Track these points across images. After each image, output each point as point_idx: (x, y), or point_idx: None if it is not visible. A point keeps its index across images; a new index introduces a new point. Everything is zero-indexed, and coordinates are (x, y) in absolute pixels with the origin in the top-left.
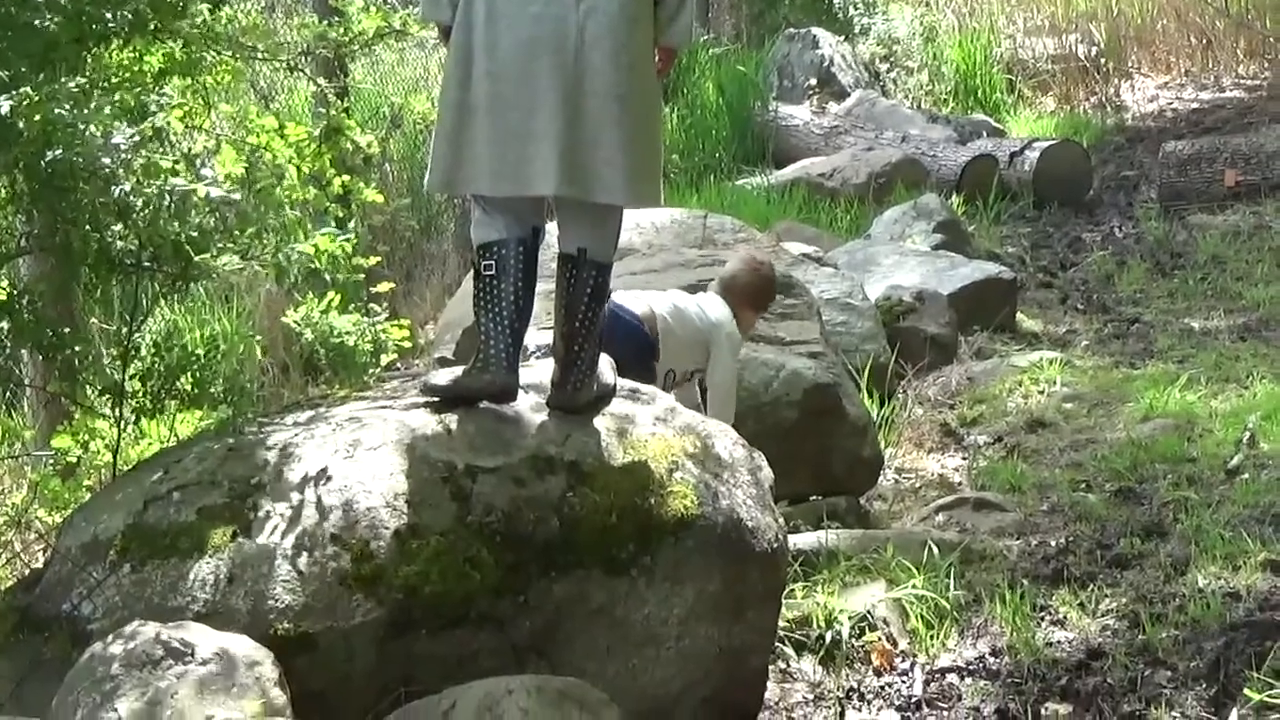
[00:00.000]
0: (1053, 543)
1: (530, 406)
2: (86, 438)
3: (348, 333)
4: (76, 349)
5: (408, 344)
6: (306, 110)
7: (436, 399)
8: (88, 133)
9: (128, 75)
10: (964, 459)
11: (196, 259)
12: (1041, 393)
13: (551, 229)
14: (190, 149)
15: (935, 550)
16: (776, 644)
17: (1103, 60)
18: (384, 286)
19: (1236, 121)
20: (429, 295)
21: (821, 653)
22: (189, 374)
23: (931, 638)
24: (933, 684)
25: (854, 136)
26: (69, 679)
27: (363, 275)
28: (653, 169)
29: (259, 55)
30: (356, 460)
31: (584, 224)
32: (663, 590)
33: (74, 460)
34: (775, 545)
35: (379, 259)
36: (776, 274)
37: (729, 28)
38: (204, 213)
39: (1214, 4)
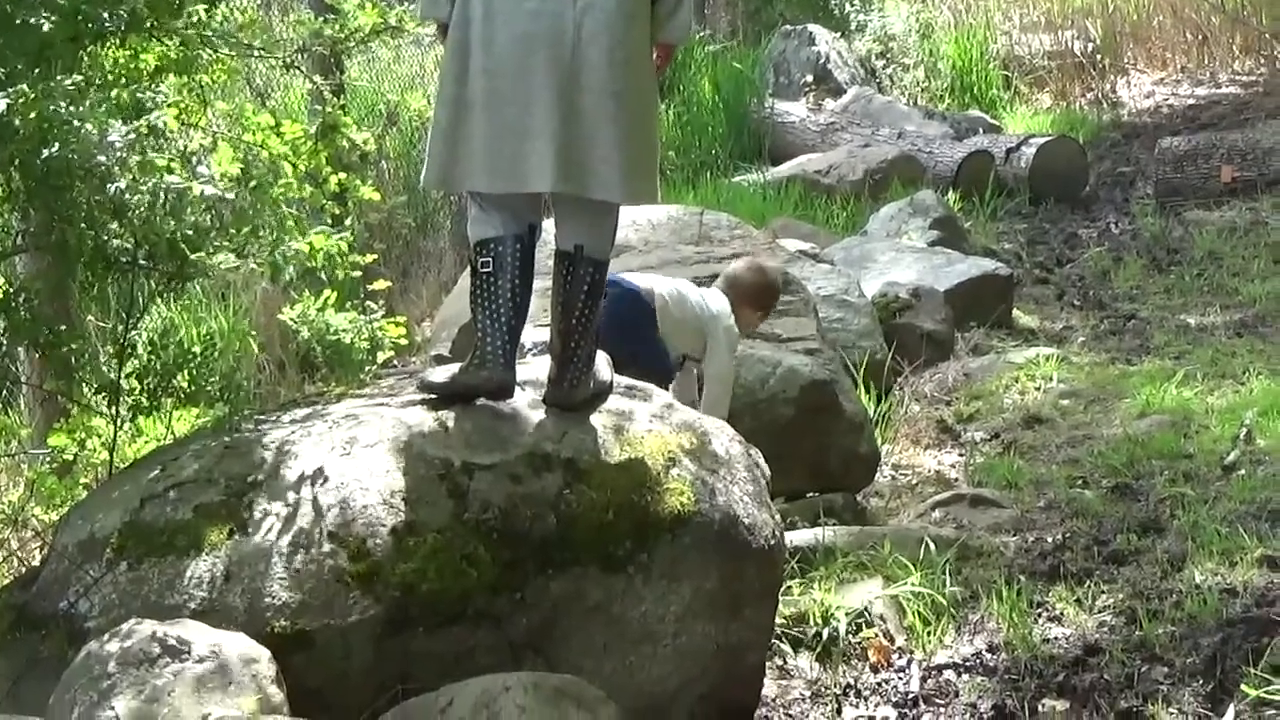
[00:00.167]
0: (1049, 539)
1: (527, 403)
2: (83, 435)
3: (344, 330)
4: (73, 347)
5: (404, 341)
6: (302, 108)
7: (433, 396)
8: (84, 130)
9: (124, 73)
10: (961, 455)
11: (192, 257)
12: (1038, 389)
13: (548, 226)
14: (186, 147)
15: (932, 547)
16: (773, 641)
17: (1099, 56)
18: (380, 284)
19: (1232, 117)
20: (425, 292)
21: (819, 649)
22: (185, 372)
23: (928, 634)
24: (930, 680)
25: (850, 133)
26: (66, 677)
27: (359, 273)
28: (649, 166)
29: (255, 52)
30: (353, 458)
31: (581, 221)
32: (660, 587)
33: (70, 458)
34: (772, 542)
35: (375, 256)
36: (781, 281)
37: (725, 24)
38: (200, 211)
39: (1210, 0)
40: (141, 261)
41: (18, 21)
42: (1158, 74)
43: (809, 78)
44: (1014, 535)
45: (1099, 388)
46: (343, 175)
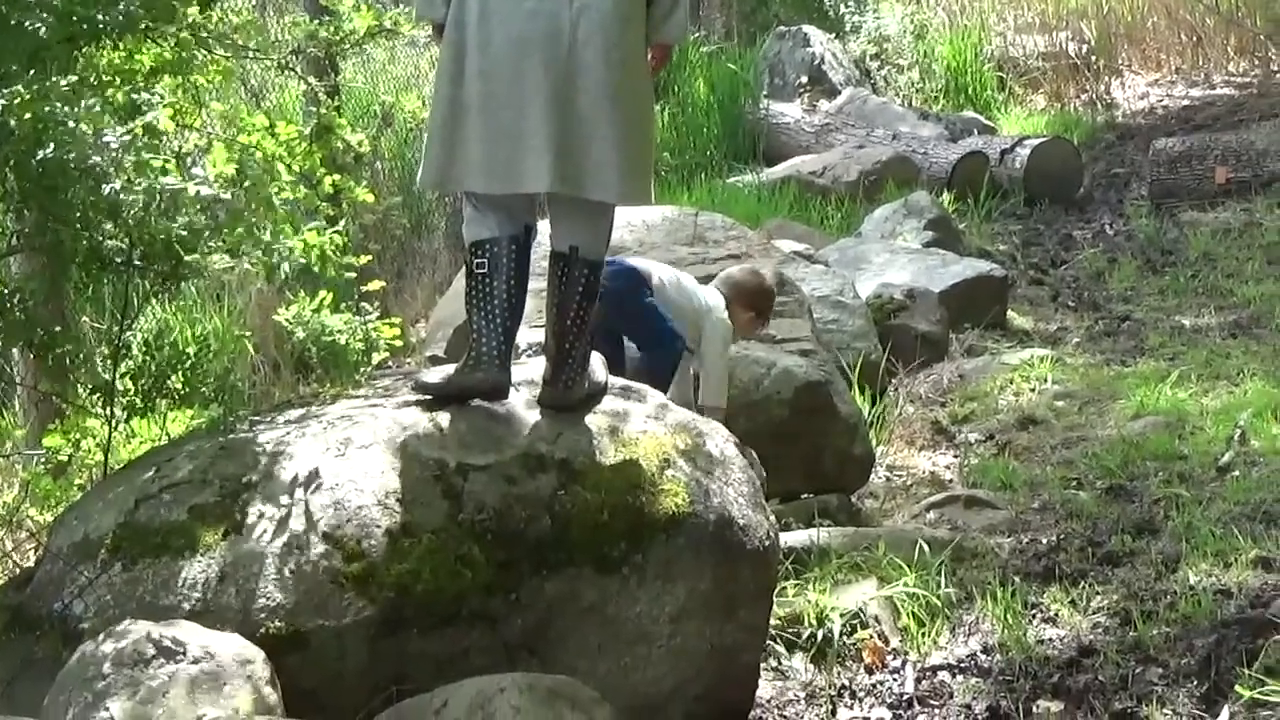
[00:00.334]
0: (1044, 540)
1: (522, 404)
2: (78, 436)
3: (339, 331)
4: (67, 348)
5: (399, 342)
6: (297, 109)
7: (428, 397)
8: (79, 131)
9: (119, 74)
10: (955, 456)
11: (187, 258)
12: (1033, 390)
13: (543, 227)
14: (181, 147)
15: (926, 548)
16: (768, 642)
17: (1093, 57)
18: (375, 285)
19: (1227, 119)
20: (420, 294)
21: (813, 651)
22: (180, 373)
23: (923, 635)
24: (924, 682)
25: (845, 134)
26: (60, 678)
27: (354, 273)
28: (644, 167)
29: (250, 54)
30: (348, 458)
31: (576, 222)
32: (654, 588)
33: (65, 459)
34: (767, 543)
35: (370, 258)
36: (776, 285)
37: (720, 25)
38: (194, 211)
39: (1204, 1)
40: (136, 262)
41: (12, 23)
42: (1152, 75)
43: (804, 79)
44: (1009, 536)
45: (1093, 389)
46: (337, 176)
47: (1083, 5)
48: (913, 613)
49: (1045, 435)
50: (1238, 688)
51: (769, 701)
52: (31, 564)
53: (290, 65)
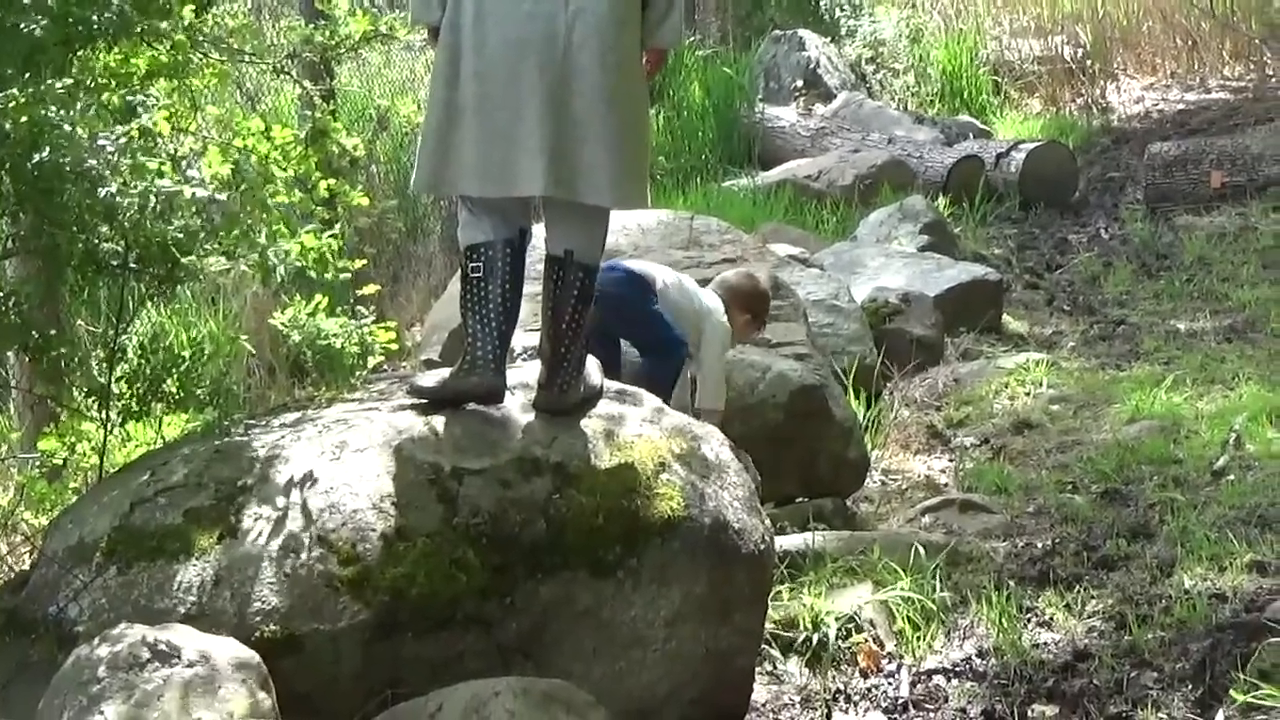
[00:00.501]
0: (1039, 544)
1: (517, 408)
2: (73, 440)
3: (335, 335)
4: (63, 351)
5: (394, 346)
6: (292, 113)
7: (423, 401)
8: (74, 134)
9: (114, 77)
10: (950, 461)
11: (183, 260)
12: (1028, 394)
13: (538, 231)
14: (176, 150)
15: (922, 552)
16: (763, 646)
17: (1088, 62)
18: (370, 288)
19: (1222, 123)
20: (415, 297)
21: (808, 654)
22: (175, 376)
23: (918, 639)
24: (919, 686)
25: (840, 138)
26: (55, 682)
27: (349, 275)
28: (640, 170)
29: (246, 57)
30: (343, 462)
31: (571, 226)
32: (649, 592)
33: (60, 462)
34: (762, 547)
35: (365, 261)
36: (772, 289)
37: (715, 29)
38: (190, 214)
39: (1199, 5)
40: (132, 265)
41: (8, 25)
42: (1147, 79)
43: (799, 83)
44: (1003, 540)
45: (1088, 393)
46: (333, 180)
47: (1078, 9)
48: (908, 617)
49: (1040, 439)
50: (1232, 692)
51: (764, 705)
52: (26, 567)
53: (286, 69)
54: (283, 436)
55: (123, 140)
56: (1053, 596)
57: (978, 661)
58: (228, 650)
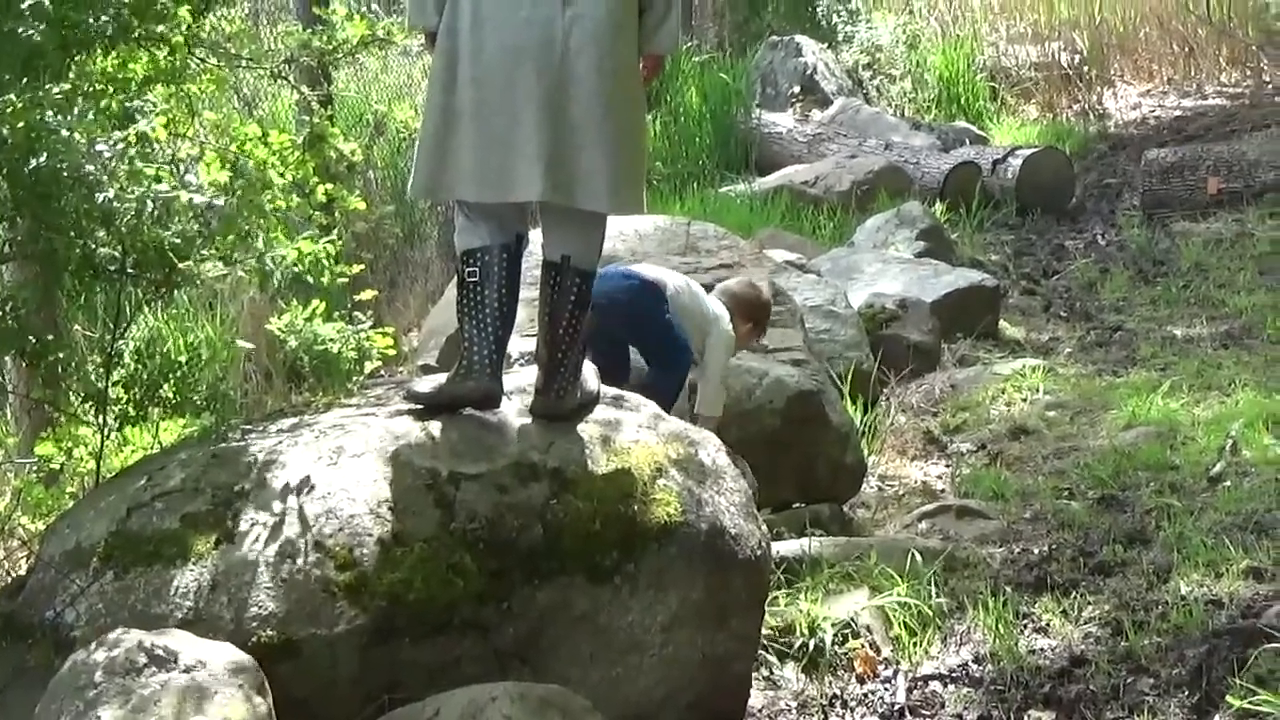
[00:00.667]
0: (1035, 550)
1: (514, 413)
2: (70, 445)
3: (332, 340)
4: (60, 356)
5: (391, 351)
6: (290, 118)
7: (420, 406)
8: (72, 140)
9: (112, 82)
10: (947, 466)
11: (180, 265)
12: (1024, 400)
13: (535, 236)
14: (174, 155)
15: (918, 557)
16: (760, 651)
17: (1085, 68)
18: (368, 294)
19: (1219, 129)
20: (412, 303)
21: (805, 660)
22: (172, 381)
23: (914, 645)
24: (916, 691)
25: (837, 144)
26: (52, 687)
27: (347, 280)
28: (636, 176)
29: (243, 62)
30: (340, 467)
31: (568, 231)
32: (646, 597)
33: (57, 467)
34: (758, 552)
35: (362, 267)
36: (772, 303)
37: (712, 35)
38: (187, 219)
39: (1196, 12)
40: (129, 270)
41: (5, 30)
42: (1144, 86)
43: (796, 88)
44: (1000, 546)
45: (1085, 399)
46: (330, 185)
47: (1075, 15)
48: (904, 622)
49: (1037, 445)
50: (1229, 698)
51: (760, 711)
52: (23, 572)
53: (283, 74)
54: (280, 442)
55: (120, 145)
56: (1049, 602)
57: (974, 667)
58: (224, 655)
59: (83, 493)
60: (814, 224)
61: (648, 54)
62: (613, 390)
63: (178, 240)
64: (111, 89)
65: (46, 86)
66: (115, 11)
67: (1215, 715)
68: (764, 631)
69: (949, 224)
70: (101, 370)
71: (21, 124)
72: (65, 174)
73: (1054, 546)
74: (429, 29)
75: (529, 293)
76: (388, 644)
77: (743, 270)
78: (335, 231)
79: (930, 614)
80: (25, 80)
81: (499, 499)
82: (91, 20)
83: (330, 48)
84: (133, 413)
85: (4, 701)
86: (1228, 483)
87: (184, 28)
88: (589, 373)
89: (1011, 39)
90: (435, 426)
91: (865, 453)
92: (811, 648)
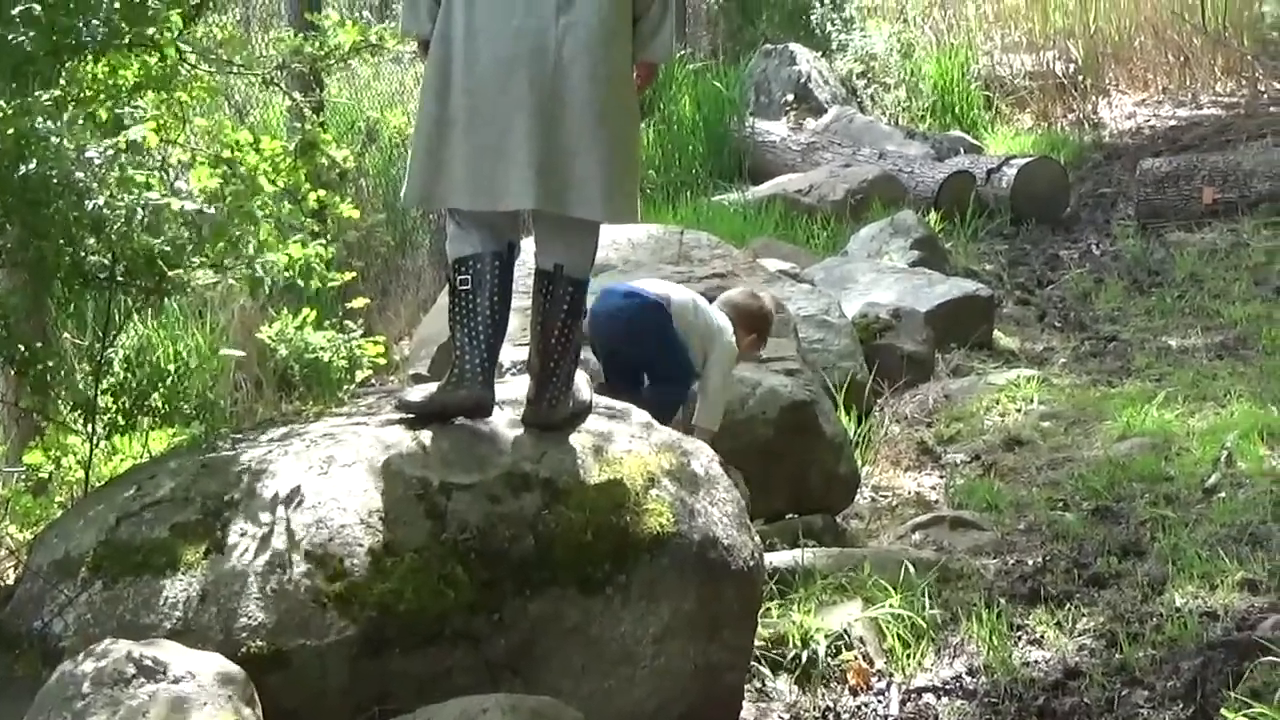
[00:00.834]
0: (1030, 562)
1: (506, 423)
2: (58, 453)
3: (322, 349)
4: (48, 364)
5: (383, 360)
6: (282, 125)
7: (411, 415)
8: (62, 146)
9: (102, 89)
10: (941, 477)
11: (170, 273)
12: (1019, 411)
13: (528, 245)
14: (164, 161)
15: (912, 569)
16: (752, 663)
17: (1080, 77)
18: (359, 302)
19: (1214, 139)
20: (404, 311)
21: (798, 672)
22: (161, 390)
23: (908, 657)
24: (909, 704)
25: (831, 153)
26: (39, 697)
27: (339, 286)
28: (630, 185)
29: (235, 69)
30: (330, 477)
31: (561, 240)
32: (638, 608)
33: (45, 476)
34: (751, 563)
35: (354, 275)
36: (774, 315)
37: (706, 43)
38: (177, 226)
39: (1191, 21)
40: (119, 277)
41: None
42: (1139, 95)
43: (790, 97)
44: (994, 558)
45: (1080, 410)
46: (322, 193)
47: (1070, 25)
48: (898, 634)
49: (1031, 456)
50: (1224, 711)
51: None
52: (11, 582)
53: (275, 81)
54: (270, 451)
55: (110, 152)
56: (1043, 614)
57: (968, 679)
58: (214, 666)
59: (71, 502)
60: (808, 233)
61: (641, 62)
62: (605, 400)
63: (168, 248)
64: (102, 95)
65: (36, 93)
66: (106, 16)
67: None
68: (756, 643)
69: (943, 233)
70: (91, 378)
71: (11, 131)
72: (55, 181)
73: (1048, 558)
74: (422, 36)
75: (521, 301)
76: (378, 655)
77: (736, 279)
78: (326, 239)
79: (924, 626)
80: (15, 86)
81: (490, 509)
82: (82, 26)
83: (322, 54)
84: (122, 421)
85: None
86: (1223, 494)
87: (175, 33)
88: (581, 382)
89: (1006, 48)
90: (426, 436)
91: (859, 463)
92: (804, 659)
